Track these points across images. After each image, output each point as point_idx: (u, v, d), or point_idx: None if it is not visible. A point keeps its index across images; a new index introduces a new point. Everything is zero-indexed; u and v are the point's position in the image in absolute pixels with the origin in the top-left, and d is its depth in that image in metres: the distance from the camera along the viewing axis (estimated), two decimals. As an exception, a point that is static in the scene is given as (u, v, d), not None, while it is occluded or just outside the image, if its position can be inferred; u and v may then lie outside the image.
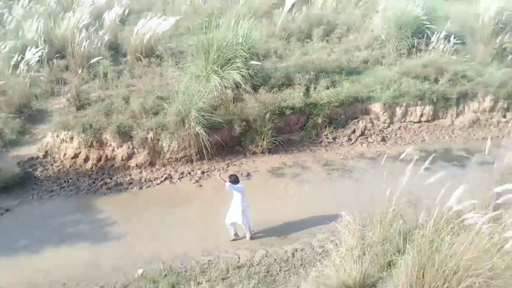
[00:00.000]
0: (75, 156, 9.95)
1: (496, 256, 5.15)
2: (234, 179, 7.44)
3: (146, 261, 7.44)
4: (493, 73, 11.74)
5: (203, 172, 9.70)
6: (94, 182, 9.53)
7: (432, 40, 12.73)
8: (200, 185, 9.34)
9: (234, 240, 7.86)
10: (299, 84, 11.10)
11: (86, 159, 9.93)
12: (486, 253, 5.18)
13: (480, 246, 5.20)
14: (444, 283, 5.27)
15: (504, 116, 11.38)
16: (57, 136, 10.01)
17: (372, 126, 11.15)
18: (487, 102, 11.40)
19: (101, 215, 8.69)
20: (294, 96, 10.74)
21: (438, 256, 5.40)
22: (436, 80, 11.51)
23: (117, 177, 9.66)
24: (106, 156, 9.97)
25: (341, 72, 11.87)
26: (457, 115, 11.43)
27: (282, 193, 9.20)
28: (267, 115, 10.25)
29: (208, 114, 9.79)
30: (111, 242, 7.99)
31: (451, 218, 5.88)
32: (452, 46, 12.54)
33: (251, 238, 7.90)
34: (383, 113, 11.19)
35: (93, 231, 8.23)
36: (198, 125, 9.59)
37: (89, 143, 9.89)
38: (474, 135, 10.95)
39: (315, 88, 11.12)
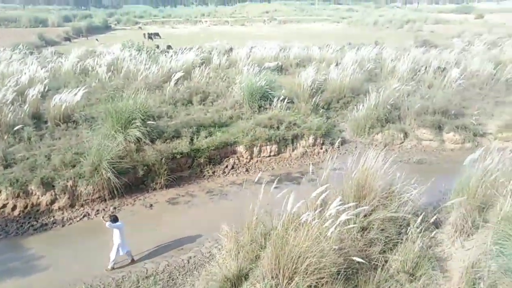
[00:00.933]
0: (3, 206, 8.58)
1: (323, 242, 5.46)
2: (114, 219, 6.91)
3: (70, 283, 6.57)
4: (313, 121, 12.70)
5: (114, 208, 8.94)
6: (21, 226, 8.27)
7: (273, 101, 13.40)
8: (113, 218, 8.61)
9: (113, 269, 7.04)
10: (185, 136, 10.95)
11: (14, 208, 8.62)
12: (317, 239, 5.46)
13: (312, 236, 5.47)
14: (293, 265, 5.41)
15: (321, 148, 12.25)
16: (-15, 191, 8.59)
17: (239, 161, 11.33)
18: (311, 140, 12.19)
19: (29, 252, 7.53)
20: (182, 145, 10.57)
21: (287, 247, 5.55)
22: (278, 128, 12.07)
23: (43, 219, 8.49)
24: (32, 203, 8.74)
25: (215, 126, 11.94)
26: (293, 150, 12.03)
27: (178, 216, 8.86)
28: (163, 160, 9.93)
29: (116, 162, 9.17)
30: (39, 273, 6.95)
31: (294, 218, 6.13)
32: (286, 105, 13.36)
33: (133, 261, 7.24)
34: (245, 152, 11.42)
35: (22, 266, 7.10)
36: (109, 172, 8.92)
37: (16, 194, 8.64)
38: (304, 162, 11.60)
39: (197, 138, 11.06)
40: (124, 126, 10.16)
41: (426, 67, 17.55)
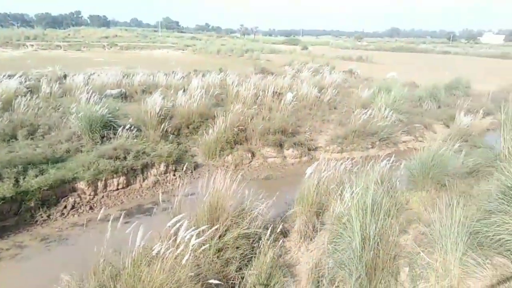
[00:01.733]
0: None
1: (179, 271, 5.32)
2: None
3: None
4: (163, 148, 12.47)
5: None
6: None
7: (118, 130, 12.70)
8: None
9: None
10: (7, 177, 9.26)
11: None
12: (172, 270, 5.30)
13: (167, 267, 5.28)
14: (148, 304, 5.10)
15: (174, 175, 12.10)
16: None
17: (81, 199, 10.16)
18: (162, 168, 11.93)
19: None
20: (4, 188, 8.88)
21: (140, 285, 5.23)
22: (125, 158, 11.41)
23: None
24: None
25: (48, 162, 10.49)
26: (144, 179, 11.51)
27: (1, 276, 7.33)
28: (-24, 210, 8.17)
29: None
30: None
31: (146, 253, 5.82)
32: (133, 133, 12.84)
33: None
34: (88, 188, 10.34)
35: None
36: None
37: None
38: (157, 191, 11.15)
39: (24, 178, 9.47)
40: None
41: (265, 92, 19.47)
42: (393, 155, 9.32)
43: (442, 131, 17.58)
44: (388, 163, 8.80)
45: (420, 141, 16.60)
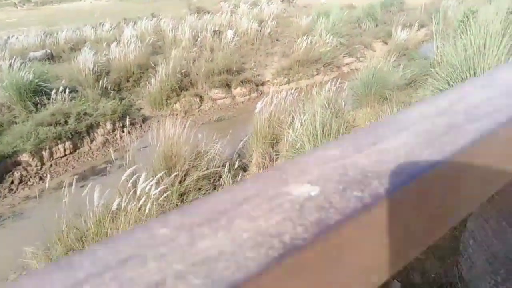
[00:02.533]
0: None
1: (145, 220, 5.41)
2: None
3: None
4: (105, 106, 11.91)
5: None
6: None
7: (52, 95, 11.83)
8: None
9: None
10: None
11: None
12: (137, 222, 5.37)
13: (132, 219, 5.35)
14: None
15: (123, 131, 11.65)
16: None
17: (27, 172, 9.68)
18: (109, 126, 11.48)
19: None
20: None
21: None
22: (66, 122, 10.83)
23: None
24: None
25: (-20, 139, 9.81)
26: (92, 141, 11.08)
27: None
28: None
29: None
30: None
31: (108, 210, 5.82)
32: (69, 96, 12.03)
33: None
34: (32, 159, 9.83)
35: None
36: None
37: None
38: (108, 150, 10.79)
39: (-43, 160, 8.85)
40: None
41: (204, 32, 18.71)
42: (338, 78, 9.60)
43: (381, 48, 18.14)
44: (333, 87, 9.09)
45: (362, 61, 17.07)
